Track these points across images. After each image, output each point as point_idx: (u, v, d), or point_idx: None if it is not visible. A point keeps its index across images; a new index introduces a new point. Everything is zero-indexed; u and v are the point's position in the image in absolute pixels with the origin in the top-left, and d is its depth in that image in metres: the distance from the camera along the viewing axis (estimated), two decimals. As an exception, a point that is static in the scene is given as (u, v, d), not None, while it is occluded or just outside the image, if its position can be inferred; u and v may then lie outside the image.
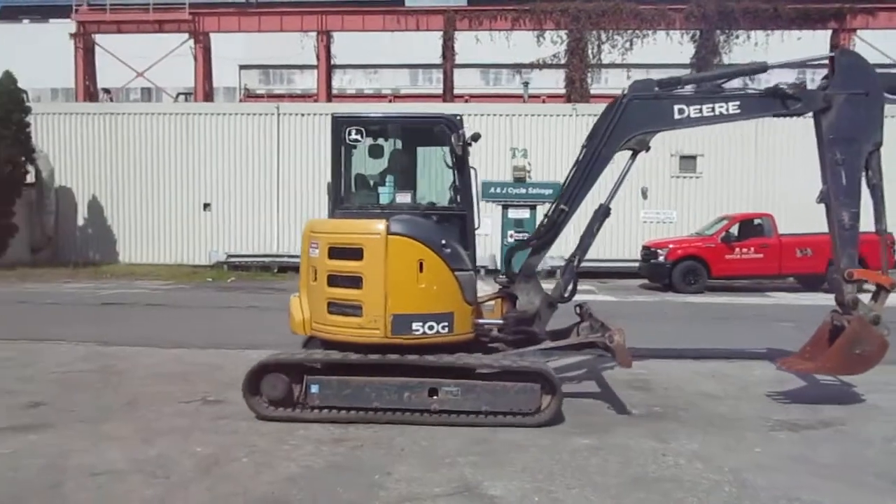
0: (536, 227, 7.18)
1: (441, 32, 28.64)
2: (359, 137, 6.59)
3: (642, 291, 18.23)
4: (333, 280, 6.16)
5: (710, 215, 20.45)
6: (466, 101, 31.48)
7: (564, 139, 22.03)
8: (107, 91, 31.40)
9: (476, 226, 6.85)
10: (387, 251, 5.99)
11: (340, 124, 6.59)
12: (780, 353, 7.92)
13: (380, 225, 6.05)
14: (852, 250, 6.74)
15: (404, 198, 6.65)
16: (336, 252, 6.15)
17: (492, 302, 7.20)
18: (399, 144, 7.07)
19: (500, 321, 6.91)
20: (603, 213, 7.01)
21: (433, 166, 7.00)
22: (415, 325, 6.05)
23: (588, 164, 6.94)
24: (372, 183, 6.89)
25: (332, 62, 30.42)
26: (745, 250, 17.72)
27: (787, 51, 22.30)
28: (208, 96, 30.05)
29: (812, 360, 6.84)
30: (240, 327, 11.12)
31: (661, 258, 18.21)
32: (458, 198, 6.61)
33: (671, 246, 18.41)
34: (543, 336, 6.92)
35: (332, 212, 6.63)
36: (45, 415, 6.34)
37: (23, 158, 21.02)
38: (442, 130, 6.53)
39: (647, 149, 7.01)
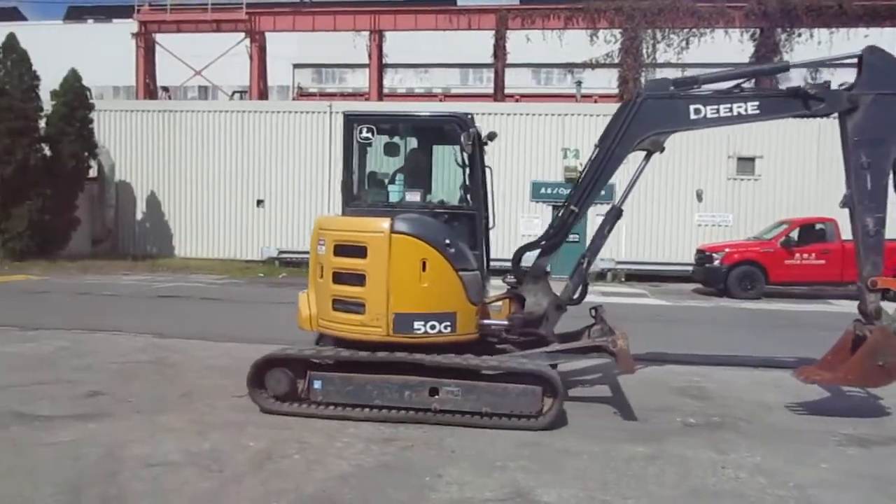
0: (547, 227, 7.11)
1: (493, 31, 28.52)
2: (370, 136, 6.58)
3: (696, 296, 17.83)
4: (338, 277, 6.19)
5: (768, 219, 19.89)
6: (517, 100, 31.32)
7: (617, 139, 21.67)
8: (165, 89, 32.26)
9: (491, 225, 6.93)
10: (390, 249, 5.97)
11: (351, 122, 6.60)
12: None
13: (384, 223, 6.02)
14: (876, 257, 6.46)
15: (414, 196, 6.64)
16: (341, 249, 6.17)
17: (500, 302, 7.10)
18: (410, 143, 7.06)
19: (506, 322, 6.79)
20: (615, 214, 6.85)
21: (445, 165, 6.95)
22: (416, 324, 6.02)
23: (600, 164, 6.78)
24: (383, 181, 6.89)
25: (384, 61, 30.60)
26: (805, 256, 17.17)
27: (853, 50, 21.49)
28: (263, 94, 30.56)
29: (831, 371, 6.56)
30: (291, 323, 11.13)
31: (716, 262, 17.77)
32: (469, 197, 6.57)
33: (727, 250, 17.95)
34: (551, 338, 6.80)
35: (343, 209, 6.67)
36: (103, 404, 6.48)
37: (86, 153, 21.74)
38: (453, 129, 6.45)
39: (662, 150, 6.82)
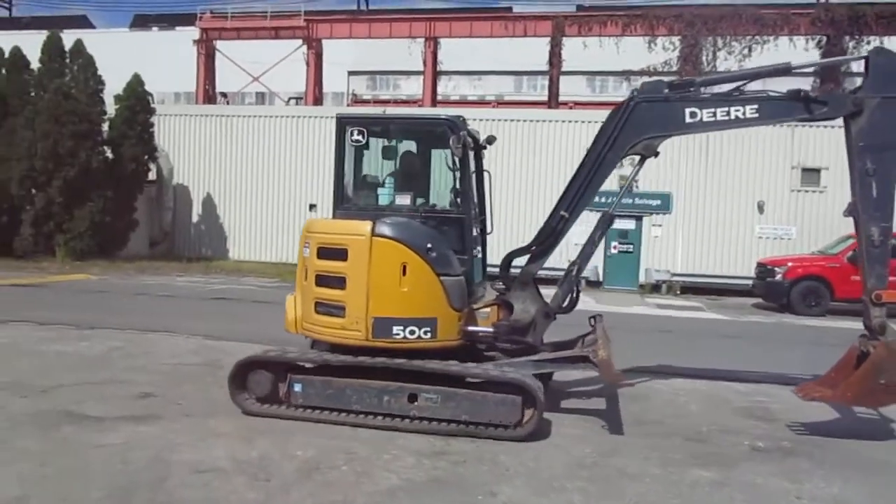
0: (537, 233, 6.83)
1: (549, 38, 28.23)
2: (360, 138, 6.56)
3: (756, 311, 17.17)
4: (321, 280, 6.17)
5: (834, 233, 19.03)
6: (571, 107, 30.87)
7: (675, 148, 21.07)
8: (224, 95, 32.92)
9: (489, 230, 7.07)
10: (370, 253, 5.93)
11: (343, 124, 6.60)
12: None
13: (365, 226, 5.99)
14: (882, 269, 6.08)
15: (404, 199, 6.59)
16: (324, 252, 6.16)
17: (488, 309, 6.87)
18: (402, 145, 7.02)
19: (491, 329, 6.56)
20: (606, 221, 6.63)
21: (440, 169, 6.87)
22: (395, 329, 5.96)
23: (591, 169, 6.54)
24: (373, 184, 6.86)
25: (439, 68, 30.61)
26: (874, 272, 16.34)
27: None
28: (318, 101, 30.93)
29: (833, 388, 6.18)
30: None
31: (778, 277, 17.09)
32: (459, 200, 6.46)
33: (790, 264, 17.25)
34: (540, 346, 6.62)
35: (333, 212, 6.64)
36: (154, 406, 6.46)
37: (146, 157, 22.20)
38: (443, 132, 6.36)
39: (656, 154, 6.60)
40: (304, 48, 30.42)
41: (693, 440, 6.02)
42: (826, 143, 20.06)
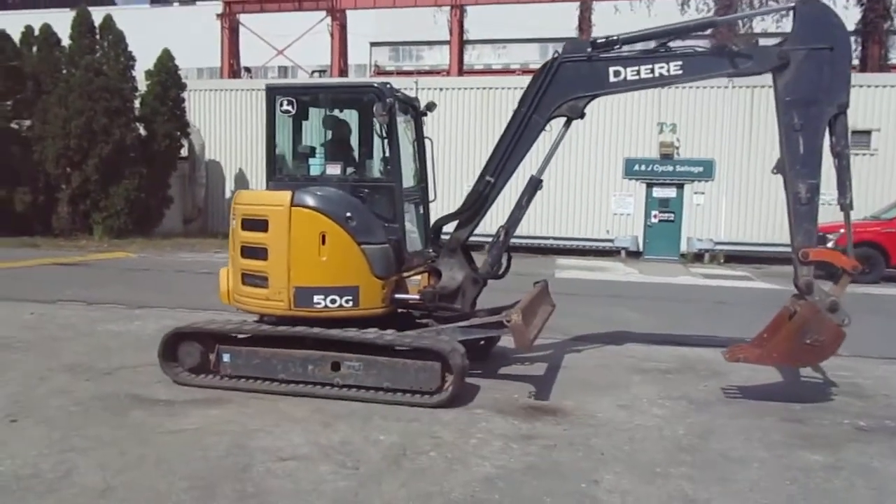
0: (465, 198, 6.69)
1: (578, 3, 27.48)
2: (290, 108, 6.53)
3: (806, 280, 16.63)
4: (246, 251, 6.24)
5: (886, 197, 18.44)
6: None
7: (718, 113, 20.53)
8: (248, 70, 32.56)
9: (431, 198, 7.12)
10: (290, 223, 5.96)
11: (273, 94, 6.54)
12: None
13: (285, 197, 6.01)
14: (809, 226, 6.02)
15: (334, 169, 6.55)
16: (248, 224, 6.21)
17: (418, 276, 6.88)
18: (335, 115, 6.90)
19: (417, 296, 6.54)
20: (534, 185, 6.49)
21: (371, 137, 6.75)
22: (316, 298, 6.01)
23: (517, 132, 6.41)
24: (304, 154, 6.75)
25: (464, 37, 29.98)
26: (931, 237, 15.80)
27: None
28: (343, 73, 30.49)
29: (761, 349, 6.02)
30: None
31: (830, 244, 16.48)
32: (388, 168, 6.43)
33: (842, 231, 16.67)
34: (472, 312, 6.60)
35: (266, 183, 6.63)
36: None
37: (178, 133, 21.94)
38: (371, 99, 6.27)
39: (582, 115, 6.40)
40: (328, 20, 29.90)
41: (789, 420, 5.70)
42: (878, 103, 19.37)
